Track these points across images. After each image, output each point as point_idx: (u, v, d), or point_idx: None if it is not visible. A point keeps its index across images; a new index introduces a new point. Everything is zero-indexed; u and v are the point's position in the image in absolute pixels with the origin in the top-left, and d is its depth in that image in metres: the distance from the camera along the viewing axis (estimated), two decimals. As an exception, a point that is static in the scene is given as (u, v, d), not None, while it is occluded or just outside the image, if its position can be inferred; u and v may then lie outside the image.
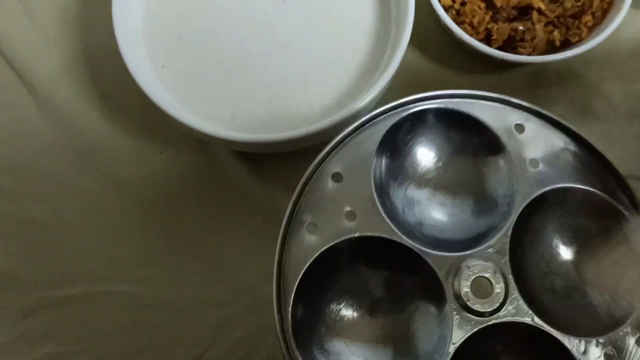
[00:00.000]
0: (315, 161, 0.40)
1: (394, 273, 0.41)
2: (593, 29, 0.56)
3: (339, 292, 0.41)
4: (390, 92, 0.58)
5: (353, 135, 0.42)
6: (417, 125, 0.43)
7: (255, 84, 0.54)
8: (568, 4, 0.55)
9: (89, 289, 0.55)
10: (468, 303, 0.38)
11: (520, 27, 0.55)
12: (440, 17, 0.55)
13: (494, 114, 0.42)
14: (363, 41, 0.54)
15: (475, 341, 0.38)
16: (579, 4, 0.55)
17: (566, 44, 0.57)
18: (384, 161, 0.41)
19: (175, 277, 0.56)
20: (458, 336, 0.38)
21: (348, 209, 0.40)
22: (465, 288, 0.38)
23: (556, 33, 0.55)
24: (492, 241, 0.39)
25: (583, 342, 0.38)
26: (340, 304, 0.42)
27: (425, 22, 0.58)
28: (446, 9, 0.56)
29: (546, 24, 0.55)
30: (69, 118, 0.58)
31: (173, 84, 0.54)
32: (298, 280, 0.38)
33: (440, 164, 0.44)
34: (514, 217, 0.40)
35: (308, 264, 0.38)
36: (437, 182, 0.44)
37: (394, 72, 0.50)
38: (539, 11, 0.55)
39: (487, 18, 0.55)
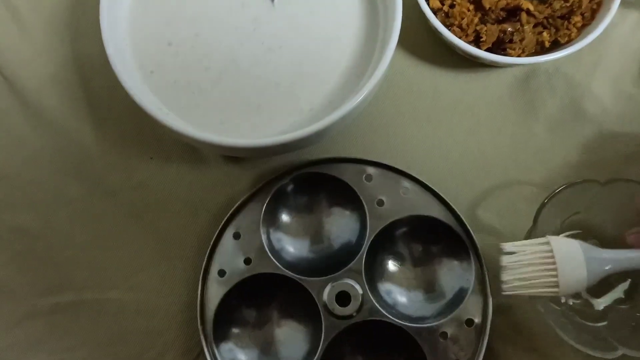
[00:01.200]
0: (220, 226, 0.54)
1: (283, 296, 0.54)
2: (582, 29, 0.56)
3: (246, 307, 0.55)
4: (380, 95, 0.58)
5: (246, 202, 0.55)
6: (288, 193, 0.56)
7: (244, 89, 0.53)
8: (557, 5, 0.55)
9: (79, 296, 0.55)
10: (333, 310, 0.51)
11: (509, 29, 0.55)
12: (429, 19, 0.55)
13: (349, 170, 0.55)
14: (351, 45, 0.54)
15: (343, 339, 0.52)
16: (568, 4, 0.55)
17: (556, 45, 0.56)
18: (269, 219, 0.55)
19: (165, 284, 0.56)
20: (329, 335, 0.51)
21: (246, 256, 0.54)
22: (330, 300, 0.52)
23: (545, 34, 0.55)
24: (350, 265, 0.52)
25: (427, 329, 0.52)
26: (247, 317, 0.55)
27: (414, 24, 0.58)
28: (435, 11, 0.56)
29: (535, 25, 0.55)
30: (58, 126, 0.58)
31: (162, 90, 0.53)
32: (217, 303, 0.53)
33: (310, 217, 0.57)
34: (367, 245, 0.53)
35: (220, 299, 0.53)
36: (310, 230, 0.57)
37: (382, 75, 0.50)
38: (528, 12, 0.55)
39: (476, 20, 0.55)
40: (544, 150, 0.57)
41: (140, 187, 0.57)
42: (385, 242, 0.54)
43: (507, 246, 0.47)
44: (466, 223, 0.53)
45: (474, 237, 0.53)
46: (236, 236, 0.54)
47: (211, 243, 0.53)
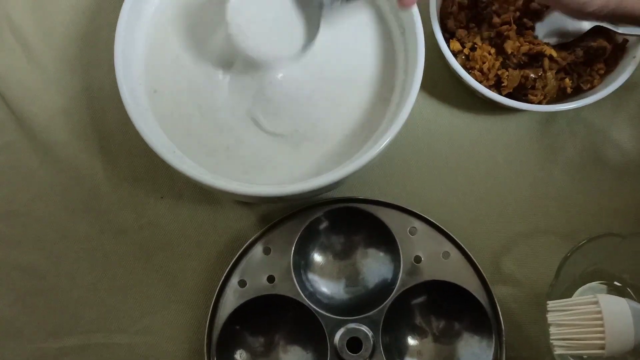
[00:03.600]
0: (254, 236, 0.53)
1: (295, 324, 0.53)
2: (605, 76, 0.55)
3: (255, 331, 0.53)
4: (398, 135, 0.57)
5: (284, 220, 0.54)
6: (330, 220, 0.54)
7: (262, 145, 0.52)
8: (580, 52, 0.54)
9: (86, 340, 0.54)
10: (342, 354, 0.50)
11: (532, 75, 0.54)
12: (449, 62, 0.54)
13: (394, 217, 0.53)
14: (370, 90, 0.53)
15: None
16: (591, 52, 0.54)
17: (578, 91, 0.55)
18: (300, 246, 0.53)
19: (174, 329, 0.54)
20: None
21: (270, 274, 0.52)
22: (341, 342, 0.50)
23: (567, 80, 0.54)
24: (370, 313, 0.51)
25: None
26: (255, 338, 0.53)
27: (434, 65, 0.57)
28: (455, 53, 0.55)
29: (557, 71, 0.54)
30: (67, 162, 0.57)
31: (179, 136, 0.52)
32: (227, 317, 0.51)
33: (343, 256, 0.55)
34: (393, 297, 0.51)
35: (235, 307, 0.51)
36: (340, 269, 0.55)
37: (403, 123, 0.49)
38: (551, 58, 0.54)
39: (497, 64, 0.54)
40: (563, 196, 0.56)
41: (150, 227, 0.56)
42: (411, 301, 0.53)
43: (554, 304, 0.46)
44: (497, 303, 0.51)
45: (502, 319, 0.51)
46: (242, 284, 0.52)
47: (217, 289, 0.52)
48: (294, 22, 0.50)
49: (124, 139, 0.57)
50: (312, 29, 0.50)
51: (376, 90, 0.53)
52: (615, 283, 0.52)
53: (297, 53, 0.50)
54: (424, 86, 0.58)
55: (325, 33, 0.51)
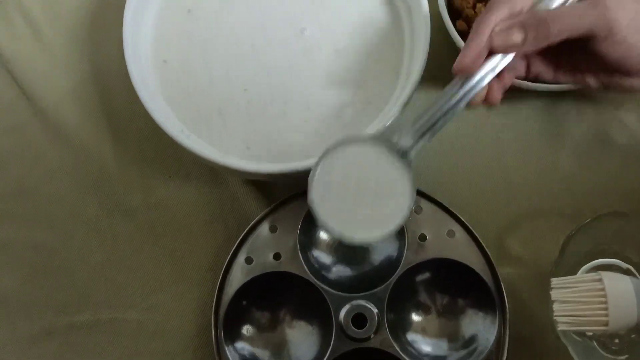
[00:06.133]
0: (261, 215, 0.53)
1: (301, 300, 0.53)
2: (612, 55, 0.55)
3: (261, 307, 0.54)
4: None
5: (291, 199, 0.54)
6: None
7: (270, 115, 0.52)
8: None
9: (96, 316, 0.55)
10: (347, 331, 0.50)
11: (538, 54, 0.54)
12: (456, 43, 0.54)
13: None
14: (377, 69, 0.53)
15: (348, 358, 0.51)
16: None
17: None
18: (306, 224, 0.53)
19: (182, 305, 0.55)
20: (336, 352, 0.50)
21: (276, 251, 0.53)
22: (346, 318, 0.51)
23: (575, 60, 0.54)
24: (376, 290, 0.51)
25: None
26: (262, 313, 0.54)
27: (439, 46, 0.57)
28: (462, 34, 0.55)
29: (564, 51, 0.54)
30: (77, 142, 0.58)
31: (186, 113, 0.52)
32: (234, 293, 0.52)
33: None
34: (398, 274, 0.51)
35: (242, 283, 0.52)
36: (346, 246, 0.53)
37: (406, 101, 0.49)
38: (557, 38, 0.53)
39: (504, 44, 0.54)
40: (570, 178, 0.56)
41: (158, 206, 0.57)
42: (416, 278, 0.53)
43: (558, 282, 0.47)
44: (501, 281, 0.51)
45: (505, 297, 0.51)
46: (248, 261, 0.53)
47: (224, 266, 0.52)
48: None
49: (132, 119, 0.58)
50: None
51: (383, 69, 0.53)
52: (620, 262, 0.52)
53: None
54: (430, 67, 0.58)
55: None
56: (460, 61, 0.41)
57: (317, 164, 0.42)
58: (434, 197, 0.53)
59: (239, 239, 0.53)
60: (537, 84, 0.53)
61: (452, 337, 0.52)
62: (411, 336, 0.53)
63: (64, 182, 0.57)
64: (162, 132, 0.50)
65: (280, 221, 0.53)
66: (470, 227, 0.52)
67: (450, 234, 0.53)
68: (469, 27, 0.55)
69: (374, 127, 0.50)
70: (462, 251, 0.52)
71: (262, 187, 0.57)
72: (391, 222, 0.42)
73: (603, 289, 0.45)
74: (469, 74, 0.42)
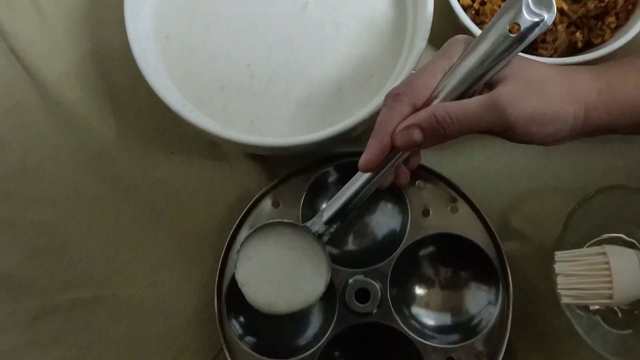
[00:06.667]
0: (264, 190, 0.53)
1: None
2: (616, 30, 0.54)
3: None
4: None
5: (293, 174, 0.54)
6: (339, 174, 0.54)
7: (273, 89, 0.52)
8: (591, 5, 0.53)
9: (98, 292, 0.55)
10: (350, 305, 0.51)
11: (542, 28, 0.53)
12: (458, 17, 0.54)
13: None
14: (379, 43, 0.53)
15: (351, 333, 0.51)
16: (603, 4, 0.53)
17: (588, 45, 0.55)
18: (309, 200, 0.53)
19: (184, 283, 0.55)
20: (338, 326, 0.51)
21: None
22: (349, 293, 0.51)
23: (578, 34, 0.54)
24: (379, 265, 0.51)
25: (434, 349, 0.50)
26: None
27: (443, 21, 0.56)
28: (465, 8, 0.55)
29: (568, 25, 0.54)
30: (78, 120, 0.58)
31: (188, 88, 0.52)
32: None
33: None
34: (401, 249, 0.51)
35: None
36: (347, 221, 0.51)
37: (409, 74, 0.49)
38: (562, 12, 0.53)
39: (507, 18, 0.54)
40: (571, 154, 0.56)
41: (160, 183, 0.57)
42: (419, 253, 0.53)
43: (562, 255, 0.47)
44: (504, 256, 0.51)
45: (509, 273, 0.51)
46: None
47: (226, 241, 0.52)
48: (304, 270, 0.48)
49: (134, 96, 0.58)
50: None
51: (385, 43, 0.53)
52: (624, 236, 0.52)
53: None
54: (434, 42, 0.58)
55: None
56: (365, 160, 0.42)
57: (240, 249, 0.47)
58: (436, 170, 0.53)
59: (241, 215, 0.52)
60: (541, 59, 0.53)
61: (455, 311, 0.53)
62: (414, 310, 0.53)
63: (66, 161, 0.57)
64: (164, 108, 0.50)
65: (283, 196, 0.53)
66: (474, 202, 0.52)
67: (454, 209, 0.52)
68: (472, 1, 0.55)
69: (374, 104, 0.49)
70: (466, 227, 0.52)
71: (265, 163, 0.57)
72: (311, 296, 0.47)
73: (607, 263, 0.45)
74: (373, 170, 0.43)
